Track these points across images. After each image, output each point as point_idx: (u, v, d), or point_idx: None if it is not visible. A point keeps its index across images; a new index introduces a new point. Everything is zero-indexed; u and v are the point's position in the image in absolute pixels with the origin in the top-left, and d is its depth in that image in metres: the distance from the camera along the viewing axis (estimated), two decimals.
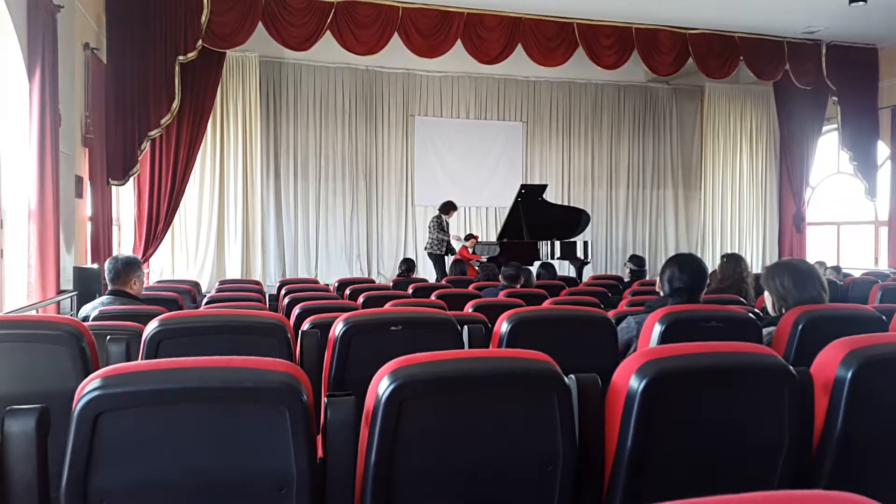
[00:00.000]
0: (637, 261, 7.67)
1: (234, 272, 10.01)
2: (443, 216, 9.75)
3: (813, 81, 10.41)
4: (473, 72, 11.55)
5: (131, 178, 7.93)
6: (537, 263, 8.69)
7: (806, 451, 1.79)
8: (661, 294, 3.00)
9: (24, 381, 2.24)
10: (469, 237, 10.16)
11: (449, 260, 9.48)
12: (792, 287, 2.79)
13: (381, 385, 1.53)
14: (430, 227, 9.87)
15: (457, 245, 9.82)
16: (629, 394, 1.61)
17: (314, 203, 11.42)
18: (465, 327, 2.78)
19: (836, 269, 7.80)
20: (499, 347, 2.66)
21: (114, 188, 7.83)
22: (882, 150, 10.73)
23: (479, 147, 12.16)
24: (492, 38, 9.09)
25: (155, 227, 8.37)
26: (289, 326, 2.62)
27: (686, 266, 2.93)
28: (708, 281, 3.19)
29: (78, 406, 1.39)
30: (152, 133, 7.87)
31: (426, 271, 10.13)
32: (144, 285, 4.34)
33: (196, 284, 6.38)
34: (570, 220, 10.07)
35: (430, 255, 9.78)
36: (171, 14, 7.82)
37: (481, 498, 1.63)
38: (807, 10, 9.07)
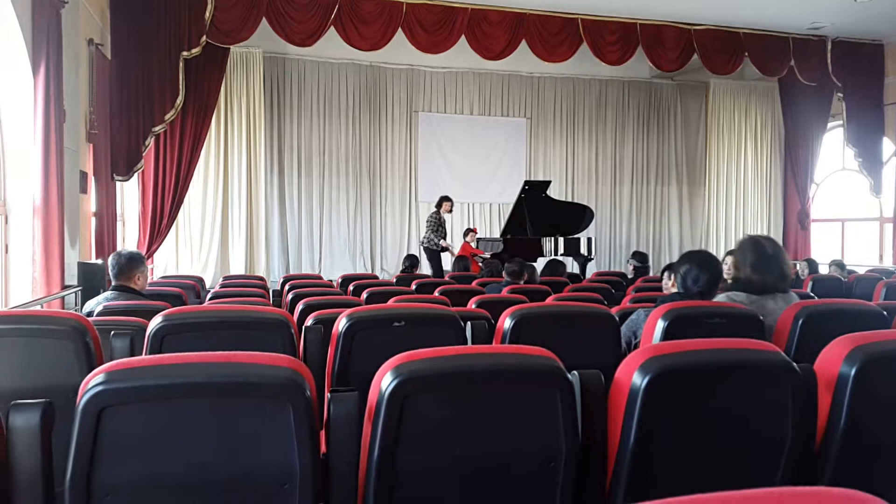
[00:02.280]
0: (640, 257, 7.69)
1: (237, 268, 10.03)
2: (440, 211, 9.70)
3: (818, 78, 10.36)
4: (477, 68, 11.53)
5: (135, 174, 7.95)
6: (542, 260, 8.67)
7: (809, 448, 1.78)
8: (678, 290, 2.96)
9: (29, 375, 2.24)
10: (468, 231, 10.14)
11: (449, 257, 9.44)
12: (748, 267, 2.83)
13: (384, 381, 1.54)
14: (427, 222, 9.82)
15: (448, 258, 9.65)
16: (632, 390, 1.61)
17: (318, 199, 11.43)
18: (469, 323, 2.78)
19: (841, 265, 7.76)
20: (502, 344, 2.66)
21: (118, 184, 7.85)
22: (887, 146, 10.69)
23: (482, 143, 12.14)
24: (496, 33, 9.07)
25: (159, 222, 8.39)
26: (292, 322, 2.62)
27: (706, 268, 2.88)
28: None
29: (82, 401, 1.39)
30: (156, 129, 7.89)
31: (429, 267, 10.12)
32: (148, 281, 4.35)
33: (200, 280, 6.40)
34: (574, 217, 10.05)
35: (425, 249, 9.70)
36: (174, 10, 7.83)
37: (484, 493, 1.63)
38: (812, 5, 9.03)
